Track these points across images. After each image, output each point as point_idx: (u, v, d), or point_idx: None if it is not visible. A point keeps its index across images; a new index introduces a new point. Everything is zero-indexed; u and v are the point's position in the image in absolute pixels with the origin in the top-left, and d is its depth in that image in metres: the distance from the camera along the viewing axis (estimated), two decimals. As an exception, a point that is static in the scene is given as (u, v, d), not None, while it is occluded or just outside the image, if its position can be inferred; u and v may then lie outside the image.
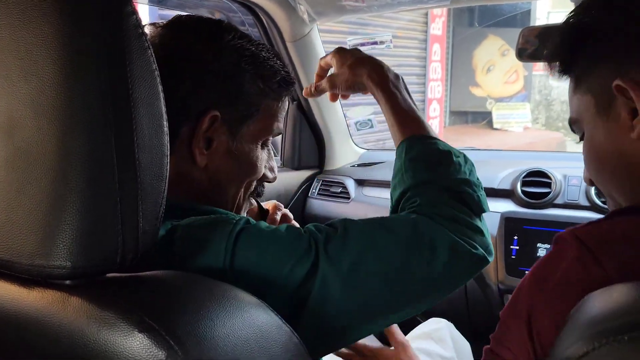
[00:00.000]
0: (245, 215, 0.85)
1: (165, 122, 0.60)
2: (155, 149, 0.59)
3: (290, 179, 1.99)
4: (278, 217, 1.05)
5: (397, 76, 0.93)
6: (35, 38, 0.51)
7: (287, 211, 1.08)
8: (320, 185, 2.01)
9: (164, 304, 0.55)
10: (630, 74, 0.58)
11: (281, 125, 0.89)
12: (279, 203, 1.08)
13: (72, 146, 0.52)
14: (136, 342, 0.49)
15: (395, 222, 0.76)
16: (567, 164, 1.75)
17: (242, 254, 0.69)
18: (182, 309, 0.54)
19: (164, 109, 0.60)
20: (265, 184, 0.94)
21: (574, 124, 0.70)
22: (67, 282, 0.55)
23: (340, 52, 0.97)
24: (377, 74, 0.92)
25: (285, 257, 0.70)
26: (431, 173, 0.81)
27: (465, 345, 1.45)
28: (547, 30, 1.38)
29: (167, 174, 0.61)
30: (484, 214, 0.82)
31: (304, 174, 2.04)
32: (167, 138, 0.61)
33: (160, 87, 0.59)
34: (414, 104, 0.92)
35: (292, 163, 2.02)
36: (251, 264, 0.69)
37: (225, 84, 0.80)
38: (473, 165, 0.88)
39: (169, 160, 0.62)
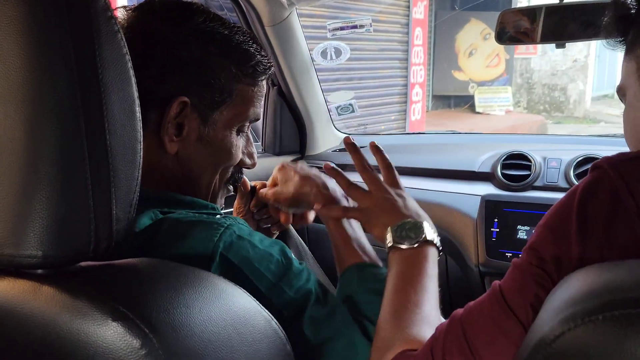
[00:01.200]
0: (231, 216, 0.84)
1: (137, 108, 0.60)
2: (127, 135, 0.58)
3: (272, 164, 1.97)
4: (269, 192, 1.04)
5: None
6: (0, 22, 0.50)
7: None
8: (302, 171, 2.00)
9: (138, 291, 0.54)
10: None
11: (259, 110, 0.87)
12: (267, 182, 1.07)
13: (40, 133, 0.51)
14: (110, 331, 0.49)
15: None
16: (547, 146, 1.77)
17: (228, 265, 0.70)
18: (157, 297, 0.53)
19: (135, 94, 0.59)
20: (246, 170, 0.93)
21: (620, 92, 0.72)
22: (39, 271, 0.55)
23: (283, 169, 1.01)
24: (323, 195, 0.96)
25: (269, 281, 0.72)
26: None
27: None
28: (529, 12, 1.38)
29: (141, 161, 0.61)
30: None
31: (285, 160, 2.03)
32: (139, 124, 0.60)
33: (131, 72, 0.58)
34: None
35: (273, 149, 2.01)
36: (235, 274, 0.69)
37: (193, 69, 0.78)
38: None
39: (142, 146, 0.61)
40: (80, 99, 0.53)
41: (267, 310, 0.64)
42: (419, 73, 8.29)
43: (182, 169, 0.82)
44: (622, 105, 0.71)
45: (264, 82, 0.87)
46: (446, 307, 1.94)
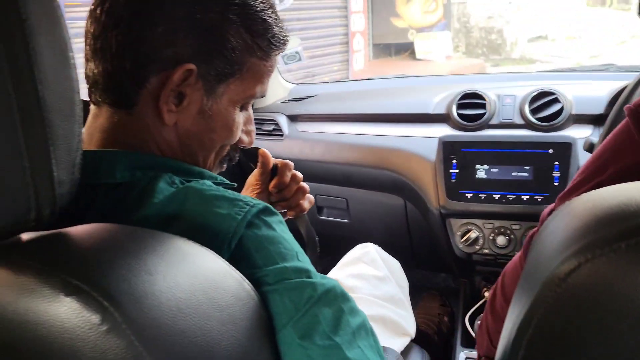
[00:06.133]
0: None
1: (70, 53, 0.52)
2: (61, 84, 0.50)
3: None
4: (288, 178, 0.99)
5: None
6: None
7: (297, 173, 1.01)
8: (251, 125, 1.93)
9: (91, 260, 0.48)
10: None
11: (266, 87, 0.79)
12: (291, 163, 1.00)
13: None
14: (63, 307, 0.42)
15: None
16: (499, 84, 1.75)
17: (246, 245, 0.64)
18: (114, 264, 0.47)
19: (67, 37, 0.51)
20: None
21: None
22: None
23: None
24: None
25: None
26: None
27: (395, 264, 1.48)
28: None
29: (81, 114, 0.53)
30: None
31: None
32: (75, 72, 0.52)
33: (60, 11, 0.50)
34: None
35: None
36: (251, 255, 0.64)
37: (206, 35, 0.69)
38: None
39: (80, 97, 0.53)
40: (2, 41, 0.44)
41: (237, 271, 0.58)
42: (359, 21, 8.19)
43: (179, 141, 0.74)
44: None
45: (277, 58, 0.79)
46: (407, 252, 1.94)
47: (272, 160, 1.00)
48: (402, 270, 1.48)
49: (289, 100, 2.00)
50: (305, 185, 1.01)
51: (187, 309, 0.49)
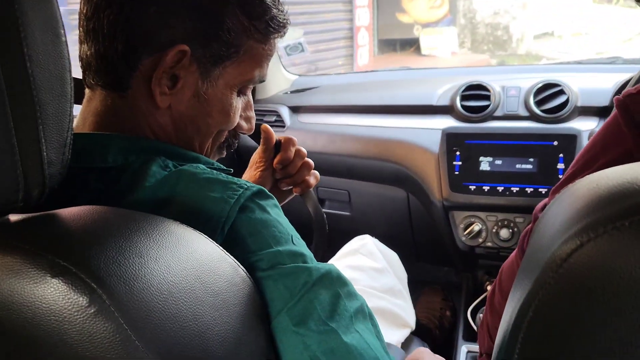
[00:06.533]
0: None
1: (62, 30, 0.50)
2: (52, 61, 0.49)
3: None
4: (292, 154, 0.97)
5: None
6: None
7: (301, 148, 0.99)
8: (254, 116, 1.91)
9: (80, 242, 0.46)
10: None
11: (265, 72, 0.77)
12: (294, 138, 0.99)
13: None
14: (50, 288, 0.41)
15: None
16: (504, 76, 1.73)
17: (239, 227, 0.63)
18: (104, 246, 0.46)
19: (58, 13, 0.50)
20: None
21: None
22: None
23: None
24: None
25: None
26: None
27: (393, 256, 1.46)
28: None
29: (72, 93, 0.52)
30: None
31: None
32: (66, 49, 0.51)
33: None
34: None
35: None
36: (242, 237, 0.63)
37: (200, 16, 0.67)
38: None
39: (72, 75, 0.52)
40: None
41: (231, 256, 0.57)
42: (364, 16, 8.15)
43: (173, 125, 0.72)
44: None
45: (276, 41, 0.77)
46: (409, 245, 1.93)
47: (277, 137, 0.98)
48: (400, 262, 1.47)
49: (292, 92, 1.99)
50: (310, 160, 1.00)
51: (178, 293, 0.48)
